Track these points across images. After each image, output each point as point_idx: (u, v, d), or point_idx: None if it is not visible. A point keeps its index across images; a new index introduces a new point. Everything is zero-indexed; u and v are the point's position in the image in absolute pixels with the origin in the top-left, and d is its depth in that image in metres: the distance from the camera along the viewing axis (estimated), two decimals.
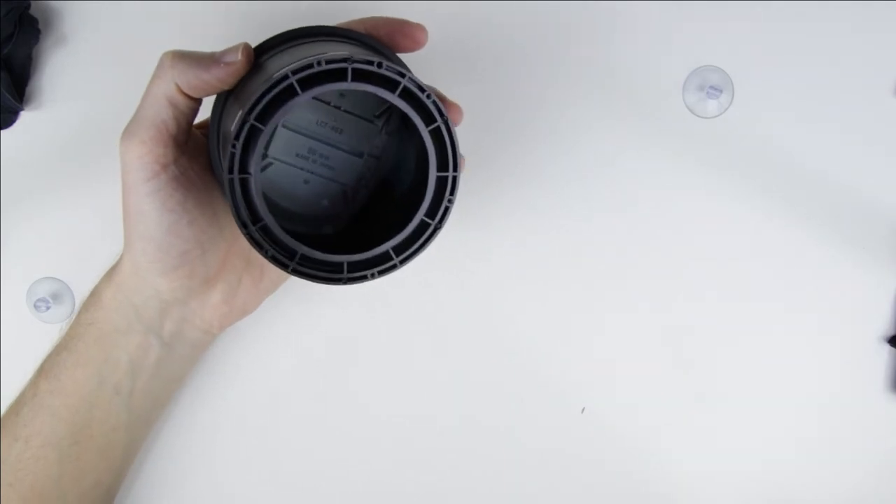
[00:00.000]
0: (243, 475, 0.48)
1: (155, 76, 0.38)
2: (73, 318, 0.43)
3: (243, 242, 0.42)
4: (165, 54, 0.38)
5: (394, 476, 0.48)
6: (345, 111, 0.40)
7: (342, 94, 0.39)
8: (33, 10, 0.46)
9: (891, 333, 0.47)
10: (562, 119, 0.47)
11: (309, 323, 0.48)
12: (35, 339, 0.48)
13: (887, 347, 0.47)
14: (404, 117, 0.36)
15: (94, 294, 0.42)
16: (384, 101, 0.35)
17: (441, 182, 0.36)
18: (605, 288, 0.47)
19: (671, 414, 0.48)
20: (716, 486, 0.48)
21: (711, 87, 0.46)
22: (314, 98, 0.37)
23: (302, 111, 0.39)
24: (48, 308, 0.47)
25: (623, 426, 0.48)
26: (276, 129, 0.39)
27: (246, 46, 0.37)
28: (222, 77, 0.37)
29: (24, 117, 0.47)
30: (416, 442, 0.48)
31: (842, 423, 0.47)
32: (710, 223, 0.47)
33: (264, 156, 0.39)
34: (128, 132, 0.38)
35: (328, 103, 0.39)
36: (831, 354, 0.47)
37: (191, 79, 0.37)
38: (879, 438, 0.47)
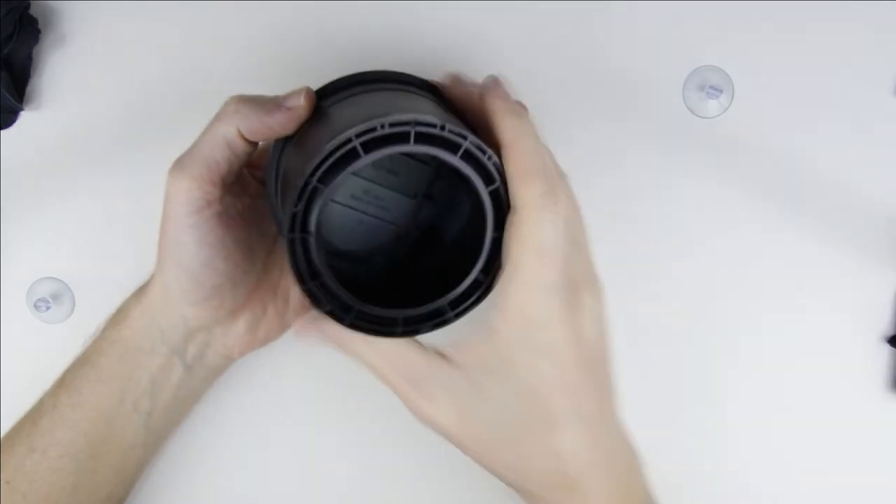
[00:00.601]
0: (246, 483, 0.48)
1: (217, 118, 0.39)
2: (98, 333, 0.43)
3: (272, 276, 0.43)
4: (231, 99, 0.39)
5: (395, 475, 0.48)
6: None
7: None
8: (33, 10, 0.46)
9: (891, 333, 0.47)
10: (561, 119, 0.47)
11: None
12: (35, 339, 0.48)
13: (887, 347, 0.47)
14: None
15: (121, 312, 0.43)
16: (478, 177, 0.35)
17: (496, 241, 0.36)
18: (605, 287, 0.47)
19: (670, 414, 0.47)
20: (716, 486, 0.48)
21: (711, 87, 0.46)
22: None
23: None
24: (48, 308, 0.47)
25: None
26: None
27: (308, 91, 0.38)
28: (284, 122, 0.38)
29: (24, 117, 0.47)
30: (417, 443, 0.48)
31: (842, 423, 0.47)
32: (710, 223, 0.47)
33: None
34: (180, 165, 0.39)
35: (370, 181, 0.40)
36: (831, 354, 0.47)
37: (253, 123, 0.38)
38: (879, 438, 0.47)
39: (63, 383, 0.42)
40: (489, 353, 0.36)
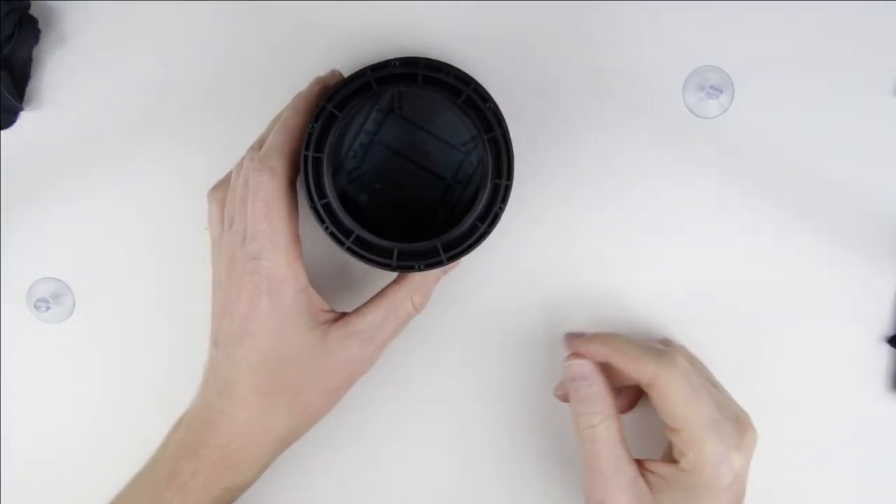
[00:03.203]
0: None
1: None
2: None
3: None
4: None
5: (395, 473, 0.48)
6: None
7: (432, 119, 0.40)
8: (33, 10, 0.46)
9: (891, 333, 0.47)
10: (561, 119, 0.47)
11: None
12: (35, 339, 0.48)
13: (887, 347, 0.47)
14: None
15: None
16: (475, 126, 0.38)
17: (495, 188, 0.39)
18: (605, 288, 0.47)
19: None
20: None
21: (711, 87, 0.46)
22: (408, 122, 0.39)
23: (397, 130, 0.40)
24: (48, 308, 0.48)
25: (625, 426, 0.48)
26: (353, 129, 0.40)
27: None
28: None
29: (24, 117, 0.47)
30: (417, 441, 0.48)
31: (842, 422, 0.47)
32: (710, 223, 0.47)
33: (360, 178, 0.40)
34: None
35: (421, 127, 0.40)
36: (831, 354, 0.47)
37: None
38: (879, 438, 0.47)
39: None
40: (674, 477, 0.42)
